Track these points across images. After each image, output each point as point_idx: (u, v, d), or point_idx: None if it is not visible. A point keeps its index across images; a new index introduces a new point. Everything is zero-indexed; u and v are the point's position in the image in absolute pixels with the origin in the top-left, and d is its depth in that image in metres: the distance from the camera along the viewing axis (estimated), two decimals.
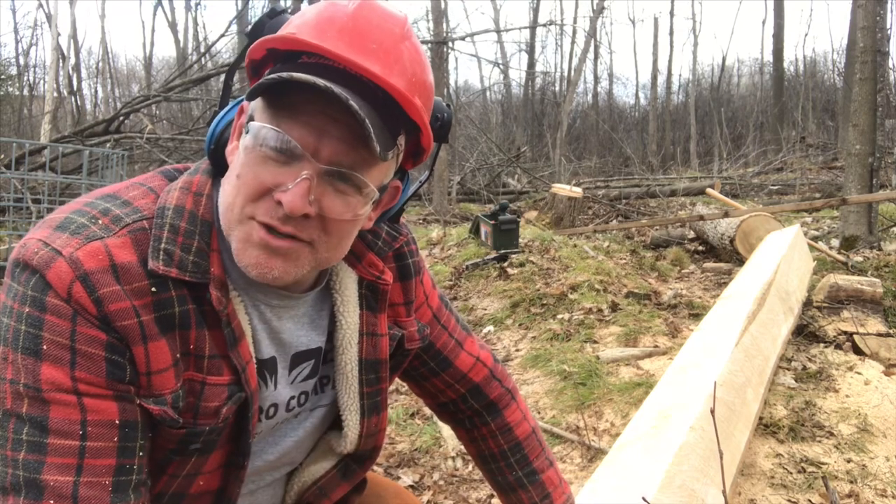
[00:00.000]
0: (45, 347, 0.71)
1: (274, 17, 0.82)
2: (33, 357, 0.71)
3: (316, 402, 0.97)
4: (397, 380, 1.13)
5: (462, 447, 2.22)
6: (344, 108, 0.69)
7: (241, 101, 0.82)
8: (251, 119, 0.76)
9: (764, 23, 23.31)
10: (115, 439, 0.73)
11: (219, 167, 0.84)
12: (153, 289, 0.75)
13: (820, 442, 2.30)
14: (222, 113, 0.86)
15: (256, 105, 0.77)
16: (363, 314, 0.94)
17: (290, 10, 0.85)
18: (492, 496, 2.16)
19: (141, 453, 0.76)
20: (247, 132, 0.75)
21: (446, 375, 1.12)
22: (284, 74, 0.69)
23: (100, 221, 0.75)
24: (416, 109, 0.75)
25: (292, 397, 0.93)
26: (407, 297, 1.02)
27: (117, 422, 0.74)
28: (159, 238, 0.76)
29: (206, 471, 0.86)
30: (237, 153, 0.77)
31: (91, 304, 0.72)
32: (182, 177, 0.83)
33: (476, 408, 1.16)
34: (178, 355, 0.78)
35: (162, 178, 0.84)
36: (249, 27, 0.81)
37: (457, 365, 1.12)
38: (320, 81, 0.68)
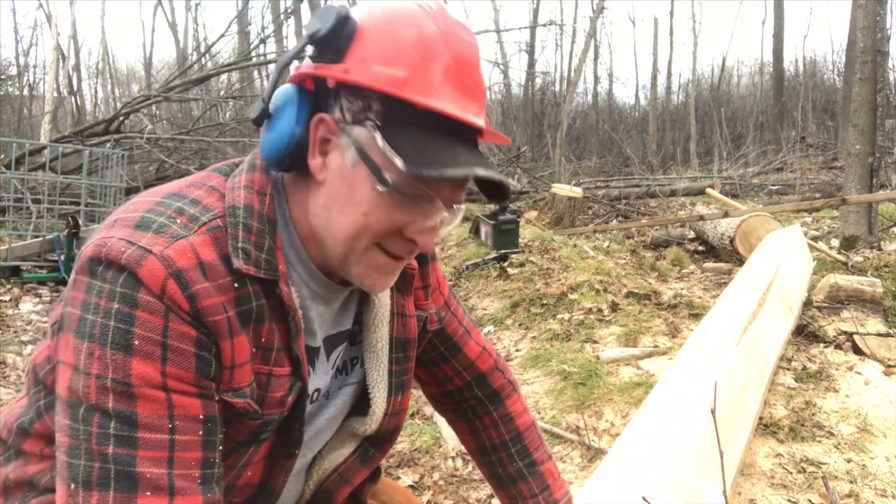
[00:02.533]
0: (136, 343, 0.72)
1: (344, 25, 0.80)
2: (123, 352, 0.72)
3: (343, 381, 1.01)
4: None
5: (462, 447, 2.22)
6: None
7: (302, 87, 0.83)
8: (360, 149, 0.78)
9: (764, 23, 23.33)
10: (200, 433, 0.76)
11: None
12: (235, 284, 0.78)
13: (820, 442, 2.30)
14: (283, 95, 0.85)
15: (365, 133, 0.78)
16: (394, 295, 0.99)
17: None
18: (492, 496, 2.16)
19: (220, 447, 0.79)
20: (383, 184, 0.77)
21: (455, 362, 1.15)
22: (446, 175, 0.74)
23: (178, 220, 0.78)
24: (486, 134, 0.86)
25: (330, 381, 0.97)
26: (425, 282, 1.07)
27: (201, 416, 0.76)
28: (236, 237, 0.79)
29: (255, 461, 0.90)
30: (349, 179, 0.80)
31: (185, 300, 0.74)
32: (242, 174, 0.85)
33: (480, 397, 1.19)
34: (253, 349, 0.81)
35: (219, 176, 0.87)
36: (318, 32, 0.79)
37: (465, 352, 1.15)
38: (473, 173, 0.76)
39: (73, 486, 0.71)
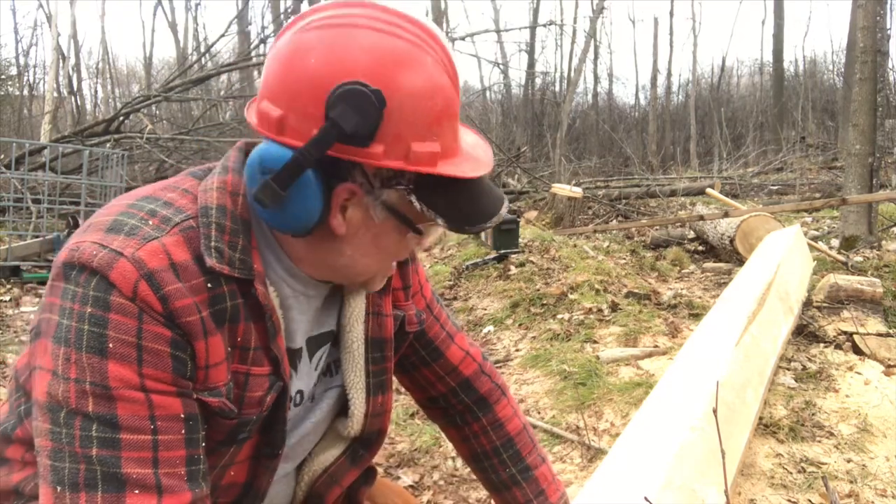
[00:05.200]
0: (110, 346, 0.72)
1: (380, 111, 0.75)
2: (99, 356, 0.72)
3: (328, 383, 1.00)
4: (395, 379, 1.14)
5: None
6: None
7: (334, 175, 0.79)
8: (390, 208, 0.81)
9: (763, 23, 23.28)
10: (182, 432, 0.76)
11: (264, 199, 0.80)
12: (208, 284, 0.78)
13: (820, 442, 2.30)
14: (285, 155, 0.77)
15: (396, 195, 0.80)
16: (369, 295, 0.98)
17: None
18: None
19: (203, 444, 0.80)
20: (417, 232, 0.83)
21: (437, 366, 1.14)
22: (485, 228, 0.81)
23: (150, 222, 0.78)
24: None
25: (315, 383, 0.97)
26: (405, 282, 1.06)
27: (182, 415, 0.76)
28: (209, 236, 0.79)
29: (237, 461, 0.90)
30: (375, 231, 0.83)
31: (157, 301, 0.74)
32: (214, 176, 0.85)
33: (467, 402, 1.17)
34: (228, 348, 0.81)
35: (192, 179, 0.87)
36: (355, 128, 0.73)
37: (447, 356, 1.14)
38: (500, 219, 0.82)
39: (59, 488, 0.71)
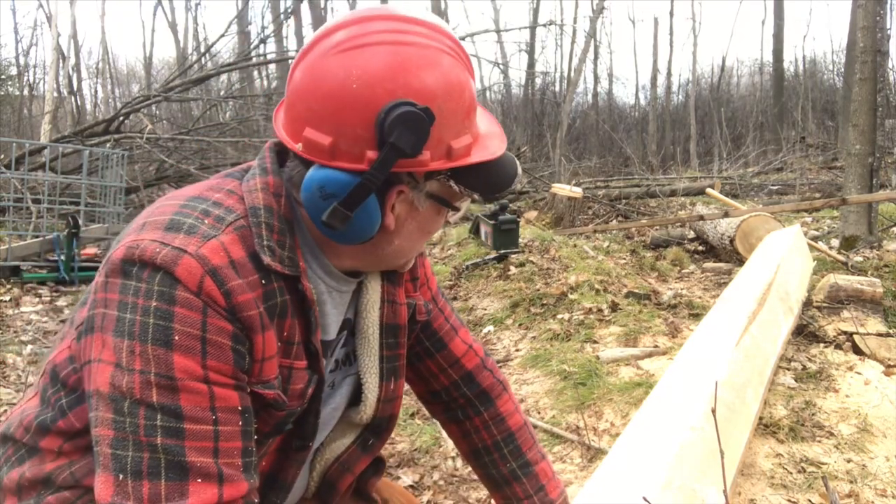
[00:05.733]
0: (176, 338, 0.75)
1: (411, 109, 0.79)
2: (164, 348, 0.75)
3: (346, 372, 1.04)
4: None
5: None
6: None
7: (392, 181, 0.83)
8: (432, 195, 0.87)
9: (763, 23, 23.28)
10: (240, 424, 0.79)
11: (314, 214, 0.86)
12: (262, 281, 0.82)
13: (820, 442, 2.30)
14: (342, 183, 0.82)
15: (438, 184, 0.87)
16: (384, 285, 1.02)
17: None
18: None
19: (255, 436, 0.83)
20: (455, 210, 0.91)
21: (440, 358, 1.16)
22: (512, 190, 0.90)
23: (206, 221, 0.81)
24: None
25: (331, 370, 1.01)
26: (413, 274, 1.10)
27: (239, 408, 0.79)
28: (261, 235, 0.83)
29: (268, 452, 0.94)
30: (420, 217, 0.89)
31: (221, 296, 0.77)
32: (256, 177, 0.88)
33: (469, 396, 1.19)
34: (278, 343, 0.85)
35: (233, 180, 0.90)
36: (412, 148, 0.78)
37: (451, 348, 1.16)
38: (520, 179, 0.89)
39: (121, 476, 0.73)
